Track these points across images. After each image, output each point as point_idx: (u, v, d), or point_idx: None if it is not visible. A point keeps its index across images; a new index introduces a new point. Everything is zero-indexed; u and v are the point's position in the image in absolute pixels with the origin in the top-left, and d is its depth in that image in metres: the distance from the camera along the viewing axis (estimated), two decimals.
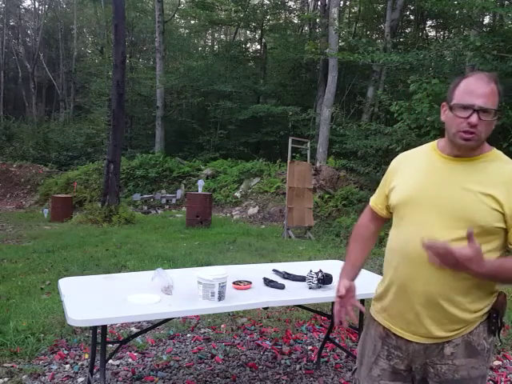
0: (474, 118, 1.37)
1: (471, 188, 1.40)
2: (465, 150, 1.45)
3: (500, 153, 1.50)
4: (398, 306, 1.52)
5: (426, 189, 1.48)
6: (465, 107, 1.38)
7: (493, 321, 1.48)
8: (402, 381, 1.58)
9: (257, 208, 11.72)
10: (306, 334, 3.71)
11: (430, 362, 1.49)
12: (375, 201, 1.75)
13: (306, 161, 9.78)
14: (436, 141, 1.58)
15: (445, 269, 1.33)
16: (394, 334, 1.55)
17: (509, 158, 1.50)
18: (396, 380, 1.58)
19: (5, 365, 2.96)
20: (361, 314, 2.54)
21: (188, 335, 3.62)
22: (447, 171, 1.47)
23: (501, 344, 3.51)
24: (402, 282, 1.49)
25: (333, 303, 1.83)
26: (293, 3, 23.36)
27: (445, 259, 1.29)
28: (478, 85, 1.39)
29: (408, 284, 1.47)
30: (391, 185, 1.61)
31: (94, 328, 2.39)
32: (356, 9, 22.21)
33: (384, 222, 1.75)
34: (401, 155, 1.69)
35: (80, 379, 2.86)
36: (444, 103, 1.48)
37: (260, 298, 2.33)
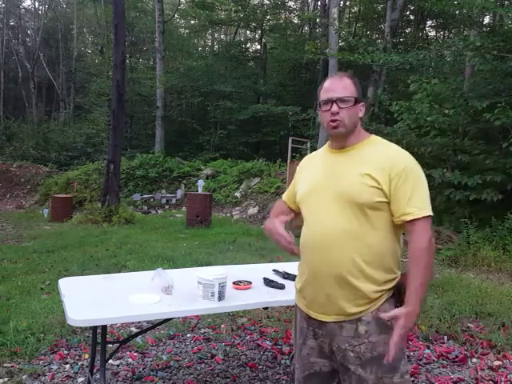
0: (334, 108, 1.61)
1: (352, 172, 1.60)
2: (339, 138, 1.68)
3: (376, 137, 1.71)
4: (312, 292, 1.67)
5: (320, 181, 1.69)
6: (326, 102, 1.65)
7: (397, 297, 1.60)
8: (329, 359, 1.69)
9: (257, 208, 11.72)
10: None
11: (349, 345, 1.59)
12: (286, 196, 1.99)
13: None
14: (329, 141, 1.79)
15: (346, 250, 1.56)
16: (313, 318, 1.68)
17: (384, 140, 1.70)
18: (323, 357, 1.70)
19: (5, 365, 2.96)
20: None
21: (188, 335, 3.62)
22: (333, 162, 1.69)
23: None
24: (312, 269, 1.65)
25: None
26: (293, 3, 23.37)
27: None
28: (332, 82, 1.67)
29: (318, 269, 1.62)
30: (298, 184, 1.84)
31: (94, 328, 2.39)
32: (356, 9, 22.20)
33: (297, 215, 1.89)
34: (305, 158, 1.95)
35: (80, 379, 2.86)
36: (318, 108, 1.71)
37: (260, 297, 2.33)
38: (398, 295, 1.60)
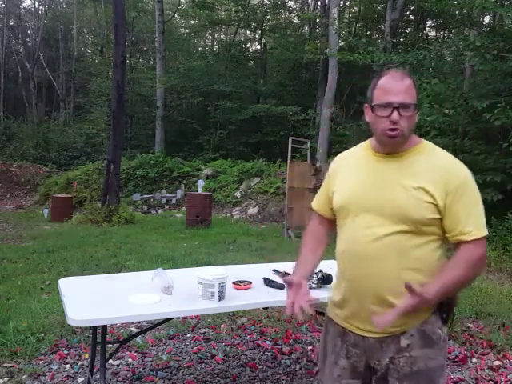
0: (394, 116, 1.41)
1: (404, 183, 1.44)
2: (393, 147, 1.49)
3: (429, 144, 1.54)
4: (352, 306, 1.54)
5: (364, 189, 1.52)
6: (384, 106, 1.43)
7: (444, 309, 1.48)
8: (362, 379, 1.58)
9: (257, 208, 11.72)
10: (306, 334, 3.71)
11: (389, 358, 1.49)
12: (317, 204, 1.77)
13: (306, 161, 9.78)
14: (369, 140, 1.61)
15: (390, 265, 1.42)
16: (351, 332, 1.56)
17: (437, 148, 1.53)
18: (355, 378, 1.58)
19: (5, 365, 2.96)
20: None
21: (188, 335, 3.62)
22: (381, 169, 1.51)
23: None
24: (352, 283, 1.52)
25: None
26: (293, 3, 23.36)
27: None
28: (393, 83, 1.44)
29: (358, 283, 1.50)
30: (333, 188, 1.64)
31: (94, 328, 2.39)
32: (356, 9, 22.20)
33: (333, 223, 1.71)
34: (338, 157, 1.72)
35: (80, 379, 2.86)
36: (366, 104, 1.52)
37: (260, 297, 2.33)
38: (446, 305, 1.49)
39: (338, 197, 1.60)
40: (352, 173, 1.59)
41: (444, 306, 1.49)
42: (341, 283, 1.59)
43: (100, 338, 2.21)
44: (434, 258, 1.47)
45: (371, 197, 1.49)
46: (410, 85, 1.44)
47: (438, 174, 1.43)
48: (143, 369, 3.02)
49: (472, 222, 1.42)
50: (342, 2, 18.75)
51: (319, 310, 1.83)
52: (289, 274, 2.66)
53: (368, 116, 1.52)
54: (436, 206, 1.42)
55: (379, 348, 1.51)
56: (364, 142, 1.64)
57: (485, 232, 1.44)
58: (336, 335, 1.62)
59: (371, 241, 1.46)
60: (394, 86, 1.43)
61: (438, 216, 1.43)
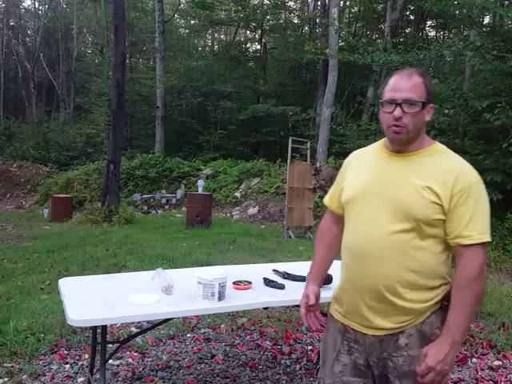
0: (397, 112, 1.43)
1: (412, 181, 1.45)
2: (398, 144, 1.50)
3: (442, 146, 1.54)
4: (352, 303, 1.55)
5: (371, 184, 1.53)
6: (389, 102, 1.45)
7: (445, 310, 1.46)
8: (363, 377, 1.58)
9: (257, 208, 11.72)
10: (306, 334, 3.71)
11: (388, 355, 1.50)
12: (330, 200, 1.78)
13: (306, 161, 9.77)
14: (384, 138, 1.62)
15: (391, 264, 1.43)
16: (352, 329, 1.58)
17: (449, 150, 1.53)
18: (357, 375, 1.58)
19: (5, 365, 2.96)
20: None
21: (188, 335, 3.62)
22: (391, 167, 1.52)
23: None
24: (353, 279, 1.54)
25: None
26: (293, 3, 23.37)
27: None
28: (401, 80, 1.46)
29: (359, 280, 1.51)
30: (343, 183, 1.65)
31: (94, 328, 2.39)
32: (356, 9, 22.22)
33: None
34: (352, 154, 1.73)
35: (80, 379, 2.86)
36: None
37: (260, 297, 2.33)
38: (446, 307, 1.46)
39: (346, 191, 1.61)
40: (363, 169, 1.60)
41: (445, 307, 1.48)
42: (342, 278, 1.62)
43: (100, 338, 2.21)
44: (437, 261, 1.46)
45: (379, 192, 1.50)
46: (419, 83, 1.45)
47: (446, 176, 1.42)
48: (143, 369, 3.02)
49: (472, 226, 1.40)
50: (341, 2, 18.76)
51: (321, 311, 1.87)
52: (289, 274, 2.67)
53: (381, 115, 1.53)
54: (441, 206, 1.41)
55: (378, 346, 1.52)
56: (379, 141, 1.65)
57: (486, 238, 1.41)
58: (336, 332, 1.63)
59: (374, 238, 1.47)
60: (400, 84, 1.45)
61: (443, 217, 1.42)
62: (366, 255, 1.48)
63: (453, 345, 1.39)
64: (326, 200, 1.80)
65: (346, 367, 1.59)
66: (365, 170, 1.59)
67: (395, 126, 1.45)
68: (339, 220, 1.72)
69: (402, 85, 1.44)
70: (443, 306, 1.48)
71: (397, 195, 1.46)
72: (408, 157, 1.50)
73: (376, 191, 1.50)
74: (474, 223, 1.41)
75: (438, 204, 1.41)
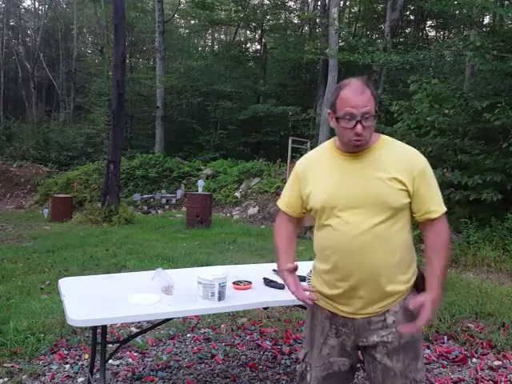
0: (359, 129, 1.54)
1: (377, 175, 1.59)
2: (358, 150, 1.64)
3: (385, 137, 1.69)
4: (345, 296, 1.65)
5: (341, 186, 1.63)
6: (348, 119, 1.54)
7: (419, 287, 1.67)
8: (349, 358, 1.71)
9: (257, 208, 11.72)
10: None
11: (378, 335, 1.64)
12: (287, 205, 1.84)
13: None
14: (332, 139, 1.73)
15: (380, 253, 1.58)
16: (340, 315, 1.69)
17: (393, 140, 1.70)
18: (343, 356, 1.71)
19: (5, 365, 2.96)
20: None
21: (188, 335, 3.62)
22: (353, 167, 1.64)
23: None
24: (345, 274, 1.63)
25: None
26: (293, 3, 23.36)
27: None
28: (356, 96, 1.54)
29: (352, 274, 1.61)
30: (307, 190, 1.72)
31: (94, 328, 2.39)
32: (356, 9, 22.22)
33: (299, 221, 1.87)
34: (304, 159, 1.81)
35: (80, 379, 2.86)
36: (330, 111, 1.63)
37: (260, 297, 2.33)
38: (420, 284, 1.67)
39: (316, 198, 1.68)
40: (325, 173, 1.69)
41: (419, 285, 1.68)
42: (329, 273, 1.68)
43: (100, 338, 2.21)
44: (410, 237, 1.66)
45: (351, 193, 1.61)
46: (369, 95, 1.56)
47: (403, 164, 1.60)
48: (143, 369, 3.02)
49: (435, 201, 1.63)
50: (341, 2, 18.76)
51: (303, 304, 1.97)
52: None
53: (332, 123, 1.63)
54: (407, 191, 1.59)
55: (367, 327, 1.65)
56: (327, 142, 1.76)
57: (445, 208, 1.65)
58: (324, 318, 1.74)
59: (359, 234, 1.58)
60: (356, 100, 1.53)
61: (409, 200, 1.61)
62: (356, 253, 1.59)
63: (441, 286, 1.61)
64: (283, 206, 1.85)
65: (334, 349, 1.71)
66: (327, 174, 1.68)
67: (357, 140, 1.57)
68: (294, 220, 1.85)
69: (359, 101, 1.53)
70: (417, 283, 1.69)
71: (369, 191, 1.59)
72: (363, 154, 1.63)
73: (348, 192, 1.61)
74: (436, 199, 1.64)
75: (404, 190, 1.59)
